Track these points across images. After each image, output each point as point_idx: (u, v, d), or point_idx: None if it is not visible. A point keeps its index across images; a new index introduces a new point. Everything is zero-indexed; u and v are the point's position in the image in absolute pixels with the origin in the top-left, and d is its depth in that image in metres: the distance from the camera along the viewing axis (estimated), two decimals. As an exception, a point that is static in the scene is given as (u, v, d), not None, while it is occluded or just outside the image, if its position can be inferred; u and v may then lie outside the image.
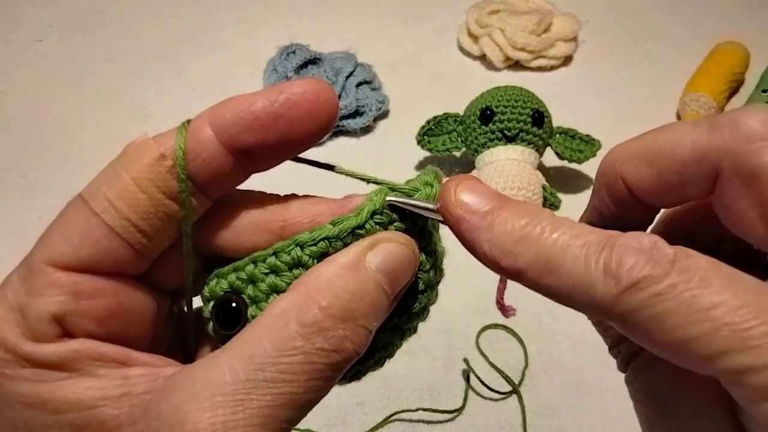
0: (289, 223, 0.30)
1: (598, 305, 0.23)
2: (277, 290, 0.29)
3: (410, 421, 0.67)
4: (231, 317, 0.29)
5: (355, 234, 0.28)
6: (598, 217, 0.30)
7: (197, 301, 0.32)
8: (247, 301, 0.29)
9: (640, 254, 0.23)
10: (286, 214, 0.30)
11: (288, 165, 0.30)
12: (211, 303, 0.30)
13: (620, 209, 0.29)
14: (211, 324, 0.30)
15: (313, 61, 1.03)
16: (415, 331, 0.32)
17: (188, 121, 0.28)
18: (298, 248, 0.28)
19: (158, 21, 1.23)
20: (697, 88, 0.99)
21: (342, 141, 0.99)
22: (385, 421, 0.67)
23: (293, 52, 1.03)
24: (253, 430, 0.23)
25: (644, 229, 0.25)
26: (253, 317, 0.29)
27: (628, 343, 0.31)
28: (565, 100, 0.98)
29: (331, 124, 0.28)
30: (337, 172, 0.31)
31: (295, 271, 0.29)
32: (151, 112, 1.03)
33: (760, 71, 1.04)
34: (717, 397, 0.25)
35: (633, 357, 0.31)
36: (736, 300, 0.21)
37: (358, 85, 1.00)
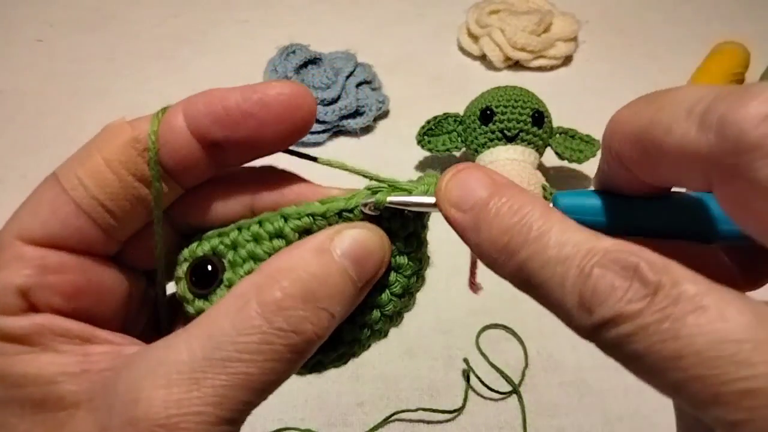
0: (259, 195, 0.30)
1: (577, 332, 0.22)
2: (255, 257, 0.29)
3: (410, 421, 0.67)
4: (205, 279, 0.29)
5: (342, 216, 0.28)
6: (605, 180, 0.28)
7: (171, 287, 0.32)
8: (226, 265, 0.29)
9: (618, 284, 0.20)
10: (259, 187, 0.30)
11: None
12: (186, 264, 0.30)
13: (623, 181, 0.27)
14: (182, 284, 0.30)
15: (313, 61, 1.03)
16: (385, 335, 0.32)
17: (165, 108, 0.28)
18: (282, 219, 0.28)
19: (158, 21, 1.24)
20: (697, 88, 0.99)
21: (342, 141, 0.99)
22: (385, 421, 0.66)
23: (293, 52, 1.03)
24: (208, 410, 0.23)
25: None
26: (229, 280, 0.29)
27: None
28: (565, 100, 0.98)
29: (305, 129, 0.28)
30: (320, 164, 0.31)
31: (275, 242, 0.29)
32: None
33: (760, 71, 1.04)
34: None
35: None
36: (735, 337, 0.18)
37: (358, 85, 1.00)
